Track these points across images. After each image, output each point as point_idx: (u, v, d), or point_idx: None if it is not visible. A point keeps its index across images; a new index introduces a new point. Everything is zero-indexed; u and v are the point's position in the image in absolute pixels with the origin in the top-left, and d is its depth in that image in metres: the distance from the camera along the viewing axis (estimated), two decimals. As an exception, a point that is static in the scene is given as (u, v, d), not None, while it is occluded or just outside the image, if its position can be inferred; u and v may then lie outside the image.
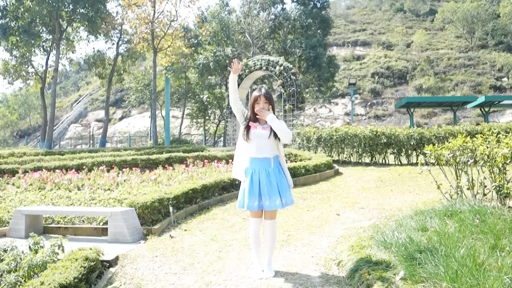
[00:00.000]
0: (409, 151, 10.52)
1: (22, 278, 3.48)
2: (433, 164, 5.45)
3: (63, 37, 25.17)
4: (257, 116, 3.43)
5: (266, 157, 3.42)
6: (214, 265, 3.90)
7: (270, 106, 3.43)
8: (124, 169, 10.02)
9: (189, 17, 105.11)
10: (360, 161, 10.86)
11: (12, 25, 23.86)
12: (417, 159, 10.34)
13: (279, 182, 3.40)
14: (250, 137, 3.42)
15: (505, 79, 38.44)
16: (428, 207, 4.56)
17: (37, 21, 23.88)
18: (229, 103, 16.98)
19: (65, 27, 24.95)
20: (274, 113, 3.44)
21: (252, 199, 3.37)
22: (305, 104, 17.12)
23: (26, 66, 26.33)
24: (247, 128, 3.45)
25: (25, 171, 10.36)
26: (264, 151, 3.42)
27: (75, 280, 3.22)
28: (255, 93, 3.46)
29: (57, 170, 10.11)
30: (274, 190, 3.36)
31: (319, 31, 29.17)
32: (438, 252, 2.94)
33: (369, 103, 38.95)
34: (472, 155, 4.58)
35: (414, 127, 11.30)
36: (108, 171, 10.09)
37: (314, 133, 11.41)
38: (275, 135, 3.41)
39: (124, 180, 8.31)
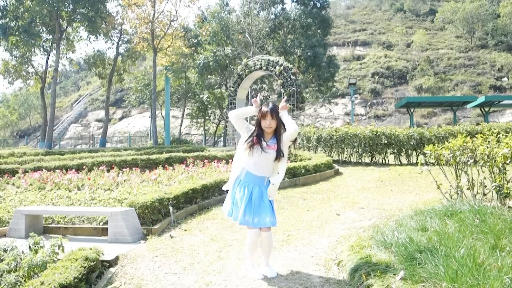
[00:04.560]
0: (409, 151, 10.53)
1: (22, 278, 3.48)
2: (433, 164, 5.45)
3: (63, 37, 25.17)
4: (265, 130, 3.39)
5: (263, 176, 3.42)
6: (214, 265, 3.90)
7: (277, 121, 3.38)
8: (124, 169, 10.01)
9: (189, 17, 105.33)
10: (360, 161, 10.86)
11: (12, 25, 23.86)
12: (417, 159, 10.33)
13: (271, 200, 3.44)
14: (254, 153, 3.36)
15: (505, 79, 38.44)
16: (428, 207, 4.55)
17: (37, 21, 23.88)
18: (229, 103, 16.75)
19: (65, 27, 24.96)
20: (282, 128, 3.42)
21: (246, 214, 3.35)
22: (305, 104, 17.12)
23: (26, 66, 26.34)
24: (252, 143, 3.37)
25: (25, 171, 10.35)
26: (263, 169, 3.40)
27: (75, 280, 3.22)
28: (263, 109, 3.38)
29: (57, 170, 10.11)
30: (266, 208, 3.36)
31: (319, 31, 29.19)
32: (438, 252, 2.94)
33: (369, 103, 38.94)
34: (472, 155, 4.58)
35: (414, 127, 11.30)
36: (108, 171, 10.09)
37: (314, 133, 11.41)
38: (278, 156, 3.36)
39: (124, 180, 8.31)
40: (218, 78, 29.59)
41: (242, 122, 3.51)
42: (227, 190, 3.63)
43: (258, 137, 3.38)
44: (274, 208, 3.46)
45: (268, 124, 3.36)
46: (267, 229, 3.43)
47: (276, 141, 3.40)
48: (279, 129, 3.40)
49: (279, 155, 3.36)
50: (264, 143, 3.37)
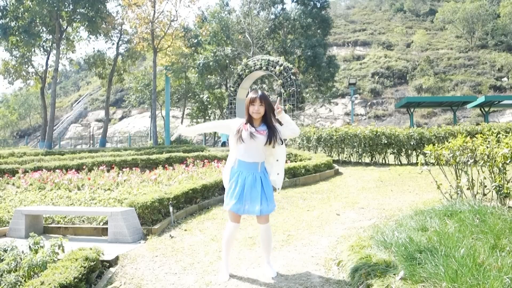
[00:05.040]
0: (409, 151, 10.53)
1: (22, 278, 3.48)
2: (433, 164, 5.45)
3: (63, 37, 25.16)
4: (253, 116, 3.39)
5: (255, 162, 3.38)
6: (214, 265, 3.90)
7: (265, 108, 3.38)
8: (124, 169, 10.02)
9: (189, 17, 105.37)
10: (360, 161, 10.86)
11: (12, 25, 23.86)
12: (417, 159, 10.34)
13: (264, 188, 3.36)
14: (243, 139, 3.34)
15: (505, 79, 38.45)
16: (428, 207, 4.55)
17: (37, 21, 23.88)
18: (229, 103, 16.87)
19: (65, 27, 24.95)
20: (272, 114, 3.41)
21: (237, 202, 3.34)
22: (305, 104, 17.15)
23: (26, 66, 26.34)
24: (240, 128, 3.39)
25: (25, 171, 10.36)
26: (254, 155, 3.37)
27: (75, 280, 3.22)
28: (251, 95, 3.40)
29: (57, 170, 10.11)
30: (256, 196, 3.32)
31: (319, 31, 29.21)
32: (438, 252, 2.94)
33: (369, 103, 38.95)
34: (472, 155, 4.58)
35: (414, 127, 11.31)
36: (108, 171, 10.09)
37: (314, 133, 11.41)
38: (270, 141, 3.35)
39: (124, 180, 8.31)
40: (218, 78, 29.61)
41: (220, 126, 3.71)
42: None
43: (246, 123, 3.40)
44: (268, 197, 3.36)
45: (257, 110, 3.35)
46: (264, 220, 3.38)
47: (266, 127, 3.38)
48: (268, 114, 3.39)
49: (269, 140, 3.34)
50: (253, 129, 3.36)
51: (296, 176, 8.25)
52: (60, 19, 24.05)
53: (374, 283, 2.83)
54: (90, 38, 26.20)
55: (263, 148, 3.39)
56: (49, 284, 3.06)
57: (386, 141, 10.37)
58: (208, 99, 29.80)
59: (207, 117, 31.95)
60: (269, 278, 3.41)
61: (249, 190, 3.33)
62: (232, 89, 16.37)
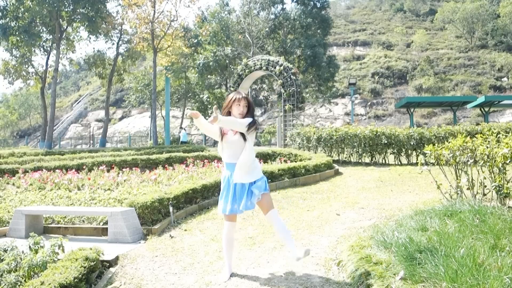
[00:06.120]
0: (409, 151, 10.53)
1: (22, 278, 3.48)
2: (433, 164, 5.45)
3: (63, 37, 25.17)
4: (237, 116, 3.42)
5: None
6: (214, 265, 3.90)
7: (249, 110, 3.41)
8: (124, 169, 10.01)
9: (189, 17, 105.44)
10: (360, 161, 10.86)
11: (12, 25, 23.86)
12: (417, 159, 10.34)
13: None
14: (224, 144, 3.47)
15: (505, 79, 38.45)
16: (428, 207, 4.55)
17: (37, 21, 23.90)
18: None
19: (65, 27, 24.97)
20: (251, 116, 3.41)
21: (228, 203, 3.41)
22: (305, 104, 17.14)
23: (26, 66, 26.34)
24: (222, 134, 3.48)
25: (25, 171, 10.35)
26: (237, 156, 3.41)
27: (75, 280, 3.22)
28: (235, 95, 3.41)
29: (57, 170, 10.10)
30: (244, 192, 3.38)
31: (319, 31, 29.22)
32: (438, 252, 2.94)
33: (369, 103, 38.95)
34: (472, 155, 4.58)
35: (414, 127, 11.31)
36: (108, 171, 10.09)
37: (314, 133, 11.41)
38: (245, 138, 3.39)
39: (124, 180, 8.31)
40: (218, 78, 29.62)
41: (214, 131, 3.52)
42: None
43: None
44: (260, 180, 3.36)
45: (242, 111, 3.40)
46: (265, 206, 3.36)
47: None
48: (247, 115, 3.42)
49: (244, 137, 3.39)
50: (230, 131, 3.43)
51: (296, 176, 8.25)
52: (60, 19, 24.06)
53: (374, 283, 2.83)
54: (90, 38, 26.20)
55: (243, 147, 3.38)
56: (49, 284, 3.06)
57: (386, 141, 10.37)
58: (208, 99, 29.80)
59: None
60: (269, 278, 3.41)
61: (239, 188, 3.38)
62: (232, 89, 16.37)
